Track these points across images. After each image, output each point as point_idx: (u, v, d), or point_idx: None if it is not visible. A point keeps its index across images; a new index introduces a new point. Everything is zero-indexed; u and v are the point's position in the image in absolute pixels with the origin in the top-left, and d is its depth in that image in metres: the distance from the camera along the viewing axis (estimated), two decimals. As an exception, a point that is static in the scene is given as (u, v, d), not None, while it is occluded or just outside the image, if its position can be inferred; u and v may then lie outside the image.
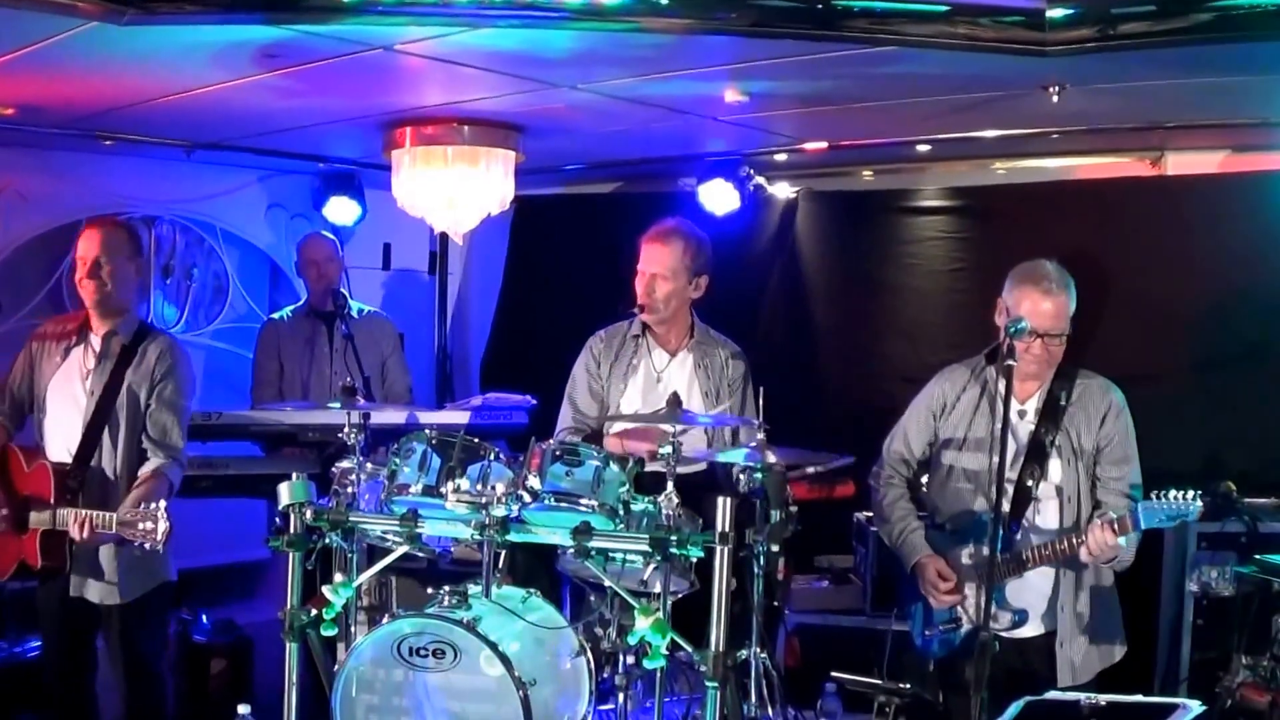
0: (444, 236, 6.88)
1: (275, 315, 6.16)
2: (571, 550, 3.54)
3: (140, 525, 3.90)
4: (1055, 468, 3.88)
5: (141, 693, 4.32)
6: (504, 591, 3.77)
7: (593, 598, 4.02)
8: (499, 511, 3.48)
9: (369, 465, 3.97)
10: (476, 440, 3.68)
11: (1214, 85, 4.16)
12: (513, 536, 3.58)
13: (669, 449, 3.62)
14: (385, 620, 3.62)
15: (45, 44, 3.78)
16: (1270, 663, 4.44)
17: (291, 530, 3.66)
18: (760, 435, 3.87)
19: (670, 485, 3.56)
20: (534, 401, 5.64)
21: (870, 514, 4.82)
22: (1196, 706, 3.02)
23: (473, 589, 3.67)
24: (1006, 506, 3.78)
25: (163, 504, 3.91)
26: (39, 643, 4.77)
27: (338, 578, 3.75)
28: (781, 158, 5.99)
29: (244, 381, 6.08)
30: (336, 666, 3.59)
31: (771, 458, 3.80)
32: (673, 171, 6.50)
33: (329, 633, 3.69)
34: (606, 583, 3.71)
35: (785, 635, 5.23)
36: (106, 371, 4.27)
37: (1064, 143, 5.39)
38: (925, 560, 3.97)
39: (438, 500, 3.54)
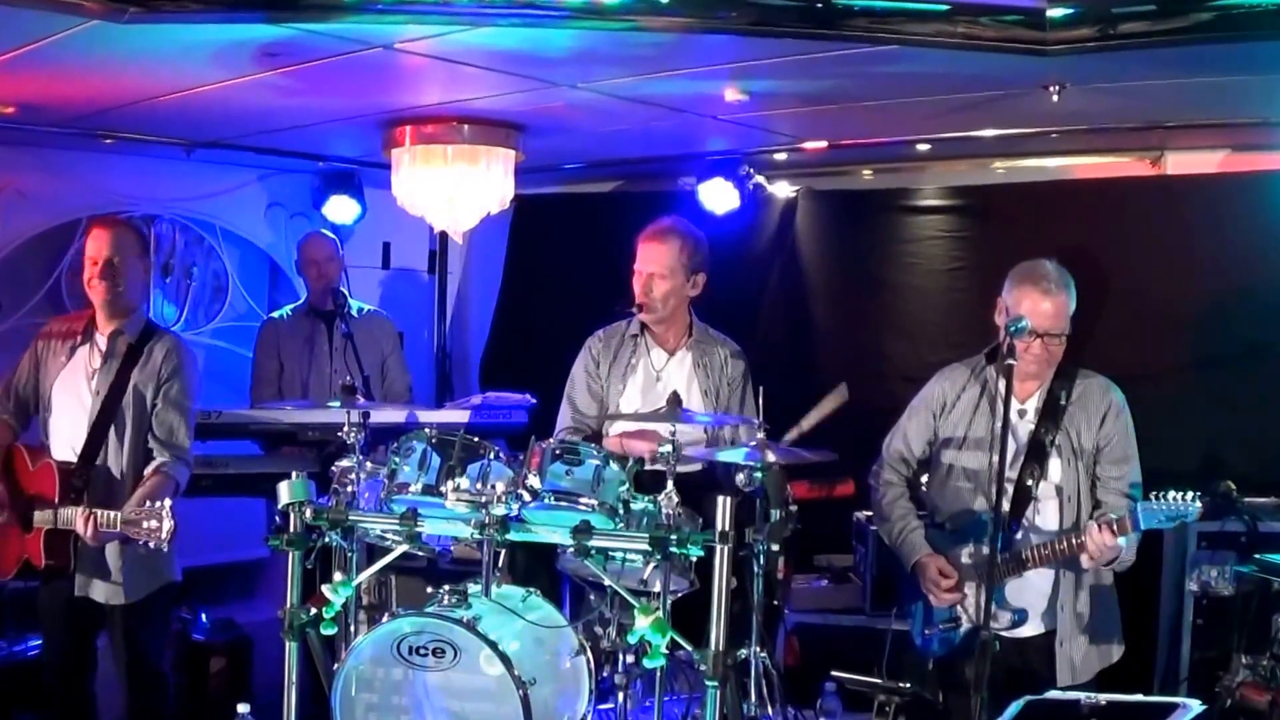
0: (443, 235, 6.89)
1: (275, 314, 6.16)
2: (571, 549, 3.54)
3: (145, 524, 3.90)
4: (1055, 467, 3.88)
5: (144, 692, 4.32)
6: (504, 590, 3.77)
7: (592, 597, 4.02)
8: (499, 510, 3.48)
9: (368, 464, 3.97)
10: (476, 439, 3.67)
11: (1214, 85, 4.16)
12: (512, 535, 3.58)
13: (669, 448, 3.63)
14: (385, 619, 3.62)
15: (46, 42, 3.77)
16: (1270, 662, 4.44)
17: (291, 529, 3.65)
18: (760, 434, 3.87)
19: (670, 484, 3.57)
20: (533, 400, 5.64)
21: (870, 513, 4.82)
22: (1196, 706, 3.02)
23: (472, 588, 3.67)
24: (1006, 506, 3.78)
25: (168, 503, 3.91)
26: (38, 642, 4.77)
27: (337, 577, 3.75)
28: (781, 157, 5.99)
29: (243, 380, 6.07)
30: (336, 665, 3.59)
31: (771, 457, 3.80)
32: (672, 170, 6.49)
33: (328, 632, 3.69)
34: (606, 582, 3.71)
35: (785, 634, 5.23)
36: (113, 371, 4.26)
37: (1064, 142, 5.40)
38: (926, 559, 3.97)
39: (437, 499, 3.54)
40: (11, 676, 4.90)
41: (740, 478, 3.89)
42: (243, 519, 5.57)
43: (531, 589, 3.86)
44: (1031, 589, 3.89)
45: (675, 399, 3.79)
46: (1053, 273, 3.82)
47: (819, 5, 3.50)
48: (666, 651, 3.46)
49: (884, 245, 6.13)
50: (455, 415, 5.53)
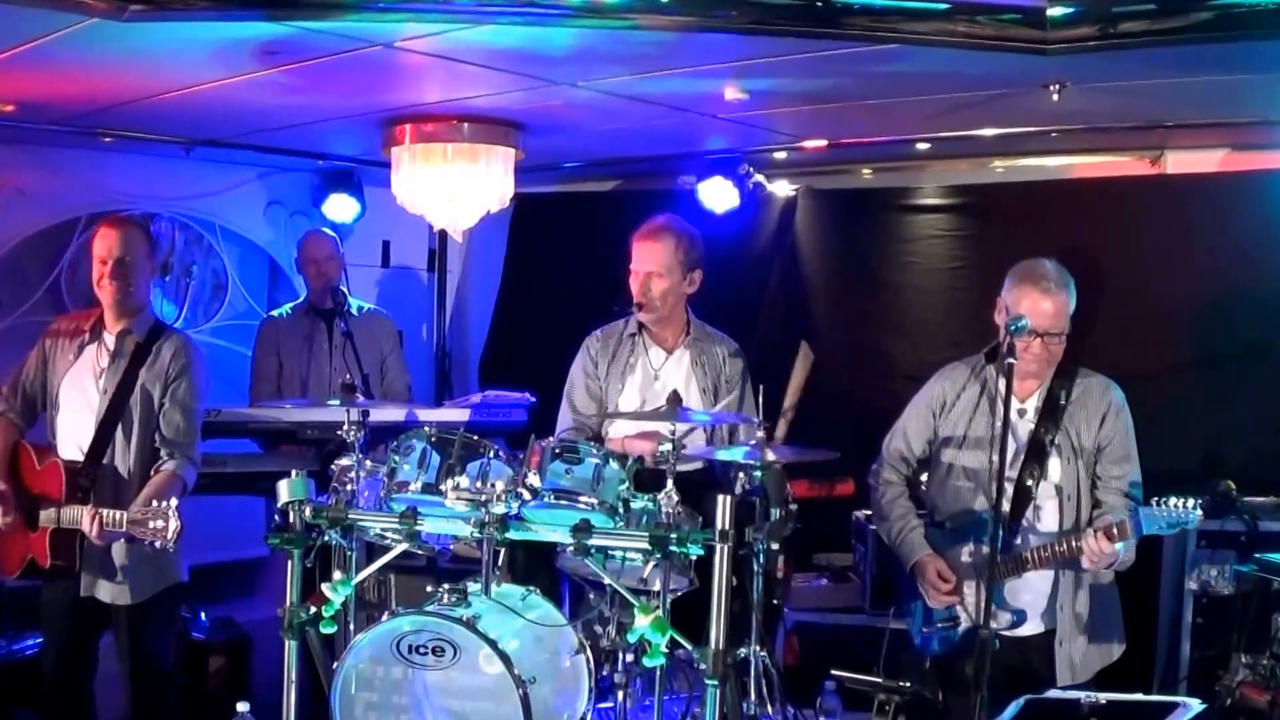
0: (443, 234, 6.89)
1: (274, 312, 6.15)
2: (571, 548, 3.54)
3: (151, 524, 3.89)
4: (1055, 466, 3.88)
5: (148, 693, 4.32)
6: (503, 589, 3.76)
7: (592, 595, 4.02)
8: (498, 509, 3.48)
9: (368, 463, 3.97)
10: (476, 438, 3.68)
11: (1214, 84, 4.16)
12: (512, 534, 3.58)
13: (668, 446, 3.63)
14: (384, 618, 3.61)
15: (46, 40, 3.77)
16: (1270, 661, 4.43)
17: (291, 528, 3.65)
18: (760, 433, 3.87)
19: (670, 483, 3.57)
20: (533, 399, 5.63)
21: (869, 512, 4.81)
22: (1196, 705, 3.02)
23: (472, 586, 3.66)
24: (1006, 505, 3.78)
25: (174, 502, 3.90)
26: (37, 640, 4.77)
27: (337, 575, 3.75)
28: (781, 155, 5.98)
29: (243, 379, 6.07)
30: (335, 664, 3.58)
31: (771, 455, 3.80)
32: (672, 169, 6.49)
33: (328, 630, 3.69)
34: (606, 580, 3.71)
35: (785, 633, 5.24)
36: (120, 370, 4.26)
37: (1064, 141, 5.39)
38: (925, 559, 3.97)
39: (437, 498, 3.54)
40: (11, 675, 4.90)
41: (739, 477, 3.89)
42: (242, 517, 5.57)
43: (531, 587, 3.85)
44: (1031, 588, 3.89)
45: (675, 397, 3.79)
46: (1052, 272, 3.82)
47: (819, 4, 3.50)
48: (666, 650, 3.46)
49: (884, 244, 6.13)
50: (455, 414, 5.53)
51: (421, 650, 3.48)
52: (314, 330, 5.91)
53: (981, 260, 5.70)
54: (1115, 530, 3.61)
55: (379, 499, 3.73)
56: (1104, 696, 2.98)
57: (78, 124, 5.22)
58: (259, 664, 5.24)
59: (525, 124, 5.22)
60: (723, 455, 4.00)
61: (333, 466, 4.09)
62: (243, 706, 3.62)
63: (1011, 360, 3.57)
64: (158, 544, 3.90)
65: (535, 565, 4.13)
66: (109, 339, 4.31)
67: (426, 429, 3.68)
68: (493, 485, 3.49)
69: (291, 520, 3.65)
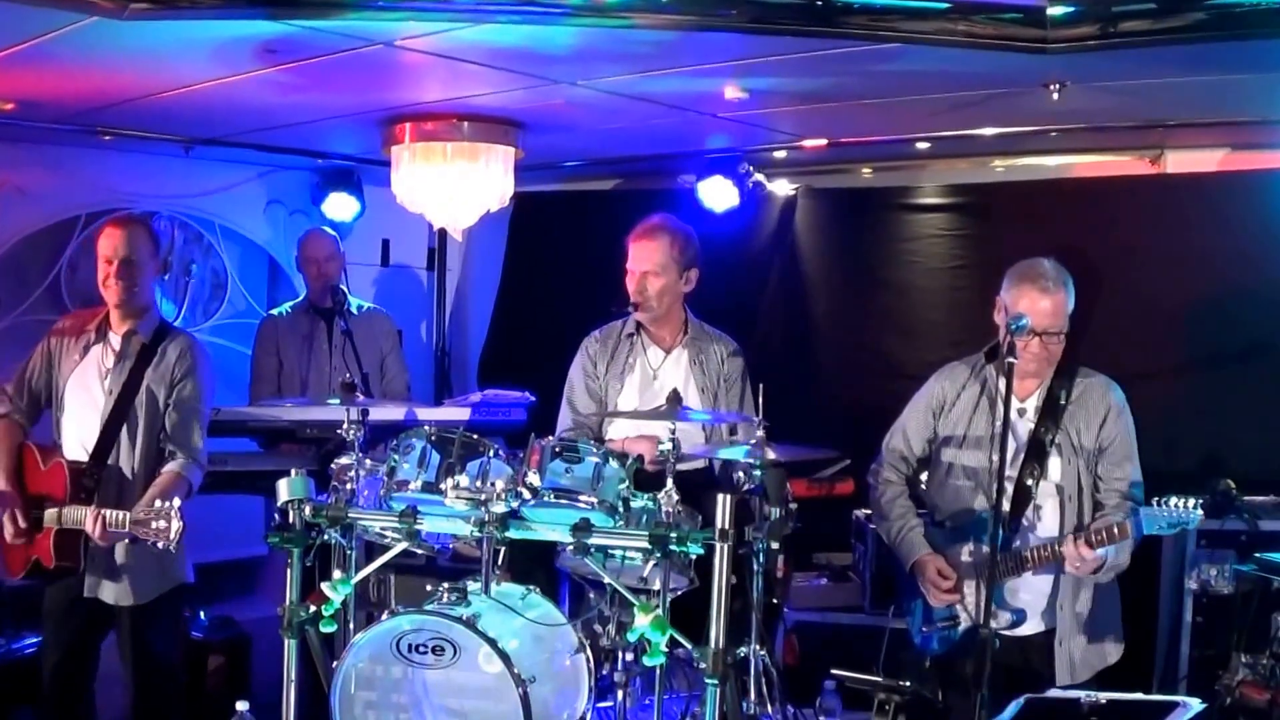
0: (443, 233, 6.88)
1: (274, 311, 6.15)
2: (571, 547, 3.54)
3: (154, 524, 3.88)
4: (1055, 466, 3.88)
5: (151, 694, 4.31)
6: (503, 588, 3.76)
7: (592, 595, 4.03)
8: (498, 508, 3.48)
9: (368, 461, 3.97)
10: (476, 436, 3.67)
11: (1214, 83, 4.16)
12: (512, 533, 3.58)
13: (668, 446, 3.63)
14: (384, 617, 3.61)
15: (46, 38, 3.77)
16: (1269, 661, 4.44)
17: (290, 527, 3.65)
18: (759, 432, 3.87)
19: (670, 482, 3.56)
20: (532, 398, 5.63)
21: (869, 511, 4.81)
22: (1196, 704, 3.02)
23: (472, 586, 3.66)
24: (1006, 505, 3.77)
25: (176, 502, 3.89)
26: (37, 640, 4.76)
27: (336, 574, 3.74)
28: (781, 155, 5.98)
29: (242, 378, 6.07)
30: (335, 663, 3.58)
31: (771, 455, 3.80)
32: (672, 168, 6.48)
33: (328, 629, 3.68)
34: (606, 580, 3.71)
35: (784, 633, 5.23)
36: (125, 370, 4.25)
37: (1064, 140, 5.39)
38: (925, 559, 3.97)
39: (437, 497, 3.54)
40: (11, 675, 4.90)
41: (739, 476, 3.89)
42: (242, 516, 5.57)
43: (531, 587, 3.85)
44: (1031, 588, 3.89)
45: (675, 397, 3.79)
46: (1051, 271, 3.82)
47: (819, 3, 3.50)
48: (666, 649, 3.46)
49: (884, 243, 6.13)
50: (454, 413, 5.52)
51: (421, 649, 3.48)
52: (314, 329, 5.91)
53: (981, 259, 5.70)
54: (1105, 534, 3.61)
55: (379, 498, 3.73)
56: (1104, 696, 2.98)
57: (78, 122, 5.22)
58: (259, 663, 5.25)
59: (525, 123, 5.22)
60: (723, 454, 4.00)
61: (332, 465, 4.09)
62: (242, 705, 3.61)
63: (1011, 359, 3.57)
64: (160, 544, 3.89)
65: (535, 565, 4.13)
66: (114, 339, 4.30)
67: (426, 428, 3.68)
68: (492, 484, 3.49)
69: (291, 519, 3.65)
